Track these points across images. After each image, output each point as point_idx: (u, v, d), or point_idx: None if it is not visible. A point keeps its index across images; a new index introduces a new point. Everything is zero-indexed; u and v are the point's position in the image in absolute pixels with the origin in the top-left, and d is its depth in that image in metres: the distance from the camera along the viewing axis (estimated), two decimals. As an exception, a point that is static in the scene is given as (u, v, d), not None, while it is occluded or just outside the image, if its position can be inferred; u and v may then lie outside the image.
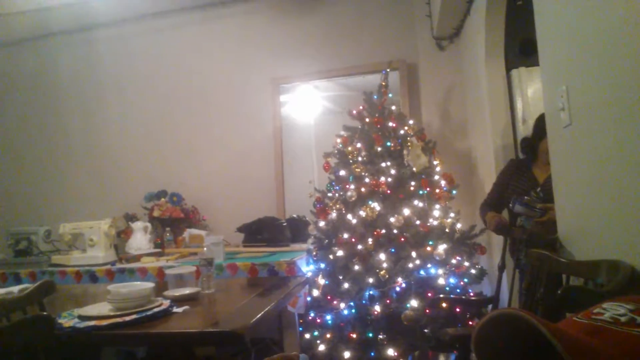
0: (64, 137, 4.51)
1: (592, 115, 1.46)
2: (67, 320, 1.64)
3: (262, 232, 3.34)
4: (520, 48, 3.12)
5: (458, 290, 2.63)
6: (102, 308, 1.73)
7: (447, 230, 2.72)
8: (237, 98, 4.14)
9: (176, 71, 4.28)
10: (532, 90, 3.01)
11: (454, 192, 2.94)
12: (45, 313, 1.59)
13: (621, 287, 1.16)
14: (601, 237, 1.47)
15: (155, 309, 1.71)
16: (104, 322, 1.60)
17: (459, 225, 2.83)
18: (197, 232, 3.58)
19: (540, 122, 2.28)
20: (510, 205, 2.20)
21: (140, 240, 3.45)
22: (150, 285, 1.80)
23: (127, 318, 1.63)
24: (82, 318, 1.65)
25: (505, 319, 0.47)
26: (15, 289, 2.30)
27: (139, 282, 1.90)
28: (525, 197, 2.15)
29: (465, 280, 2.67)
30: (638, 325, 0.45)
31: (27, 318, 1.52)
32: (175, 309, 1.77)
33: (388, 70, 3.19)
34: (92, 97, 4.46)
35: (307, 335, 2.76)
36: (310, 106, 4.07)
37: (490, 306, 2.17)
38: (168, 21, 4.27)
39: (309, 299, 2.78)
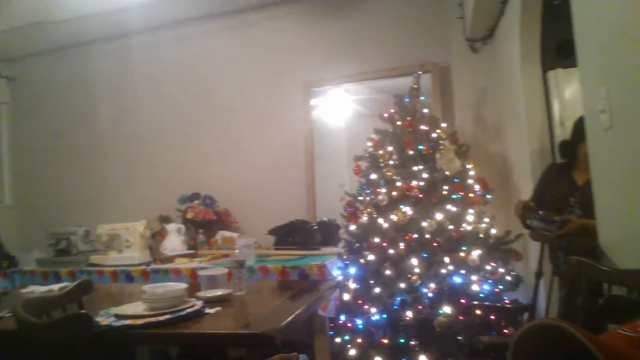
0: (101, 142, 4.66)
1: (635, 118, 1.41)
2: (103, 319, 1.68)
3: (293, 235, 3.36)
4: (558, 49, 3.03)
5: (492, 298, 2.57)
6: (137, 307, 1.77)
7: (481, 235, 2.66)
8: (268, 102, 4.17)
9: (208, 75, 4.35)
10: (570, 92, 2.92)
11: (489, 196, 2.88)
12: (83, 311, 1.64)
13: (668, 297, 1.11)
14: (645, 245, 1.41)
15: (188, 310, 1.73)
16: (139, 322, 1.63)
17: (493, 231, 2.76)
18: (229, 234, 3.62)
19: (580, 124, 2.20)
20: (529, 221, 2.16)
21: (174, 241, 3.52)
22: (183, 286, 1.83)
23: (161, 318, 1.66)
24: (118, 317, 1.69)
25: (546, 329, 0.46)
26: (55, 287, 2.40)
27: (172, 283, 1.94)
28: (541, 212, 2.10)
29: (500, 287, 2.61)
30: (690, 339, 0.42)
31: (67, 316, 1.57)
32: (207, 310, 1.79)
33: (420, 72, 3.15)
34: (127, 102, 4.59)
35: (338, 340, 2.75)
36: (341, 109, 4.06)
37: (526, 314, 2.11)
38: (200, 28, 4.35)
39: (339, 302, 2.77)
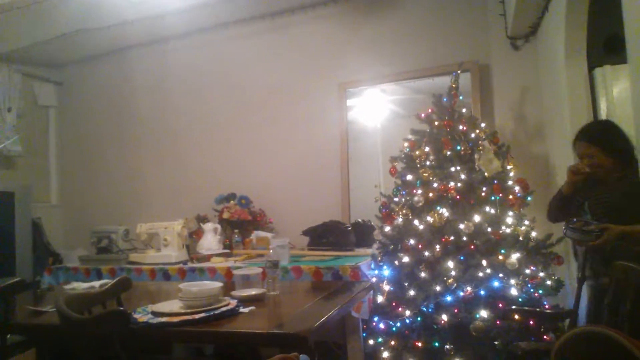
0: (142, 144, 4.79)
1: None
2: (141, 316, 1.72)
3: (327, 235, 3.35)
4: (605, 45, 2.90)
5: (532, 302, 2.48)
6: (173, 305, 1.80)
7: (520, 238, 2.58)
8: (304, 103, 4.18)
9: (244, 78, 4.40)
10: (618, 90, 2.79)
11: (529, 198, 2.79)
12: (122, 308, 1.68)
13: None
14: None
15: (223, 308, 1.75)
16: (175, 319, 1.66)
17: (534, 234, 2.67)
18: (264, 234, 3.65)
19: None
20: (563, 230, 2.09)
21: (210, 241, 3.58)
22: (218, 284, 1.85)
23: (197, 316, 1.68)
24: (155, 314, 1.72)
25: (591, 336, 0.43)
26: (96, 284, 2.47)
27: (208, 282, 1.96)
28: (575, 220, 2.03)
29: (540, 291, 2.52)
30: None
31: (106, 312, 1.61)
32: (241, 309, 1.81)
33: (459, 71, 3.09)
34: (166, 104, 4.70)
35: (371, 342, 2.72)
36: (377, 110, 4.03)
37: (567, 320, 2.03)
38: (235, 31, 4.40)
39: (373, 304, 2.74)
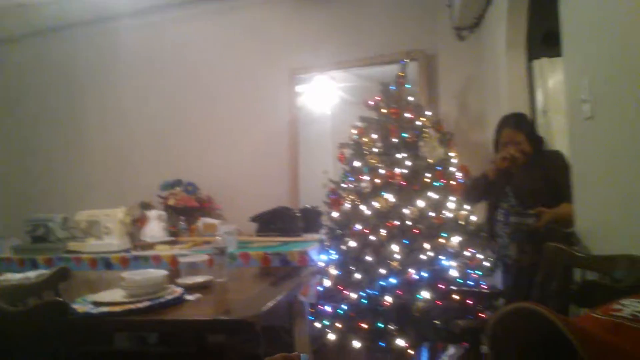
0: (82, 126, 4.57)
1: (615, 109, 1.42)
2: (81, 306, 1.66)
3: (276, 222, 3.35)
4: (543, 38, 3.04)
5: (470, 283, 2.60)
6: (116, 294, 1.75)
7: (461, 222, 2.69)
8: (253, 88, 4.13)
9: (192, 61, 4.29)
10: (554, 82, 2.95)
11: (468, 185, 2.91)
12: (59, 299, 1.61)
13: (639, 282, 1.14)
14: (619, 232, 1.44)
15: (168, 297, 1.72)
16: (118, 309, 1.62)
17: (473, 218, 2.79)
18: (211, 221, 3.60)
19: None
20: (502, 218, 2.24)
21: (155, 228, 3.49)
22: (163, 273, 1.82)
23: (141, 305, 1.64)
24: (96, 304, 1.67)
25: (523, 313, 0.46)
26: (32, 274, 2.35)
27: (152, 270, 1.92)
28: (504, 204, 2.20)
29: (478, 272, 2.64)
30: (658, 322, 0.43)
31: (42, 303, 1.54)
32: (187, 297, 1.78)
33: (407, 60, 3.15)
34: (110, 87, 4.50)
35: (318, 325, 2.77)
36: (327, 97, 4.04)
37: (502, 299, 2.15)
38: (185, 12, 4.27)
39: (320, 288, 2.78)
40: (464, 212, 2.73)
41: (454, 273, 2.55)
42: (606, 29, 1.44)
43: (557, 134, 2.79)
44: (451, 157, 2.95)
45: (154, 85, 4.38)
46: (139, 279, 1.75)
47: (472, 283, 2.60)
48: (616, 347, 0.40)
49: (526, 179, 2.29)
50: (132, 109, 4.43)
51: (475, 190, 2.56)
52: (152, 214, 3.55)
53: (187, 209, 3.78)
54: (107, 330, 1.79)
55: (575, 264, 1.52)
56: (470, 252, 2.64)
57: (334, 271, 2.79)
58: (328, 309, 2.77)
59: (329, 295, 2.77)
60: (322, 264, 2.83)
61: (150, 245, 3.24)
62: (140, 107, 4.41)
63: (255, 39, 4.15)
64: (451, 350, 1.90)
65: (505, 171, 2.38)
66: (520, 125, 2.38)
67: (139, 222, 3.68)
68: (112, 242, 3.18)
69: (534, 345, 0.48)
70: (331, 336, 2.69)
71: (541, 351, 0.48)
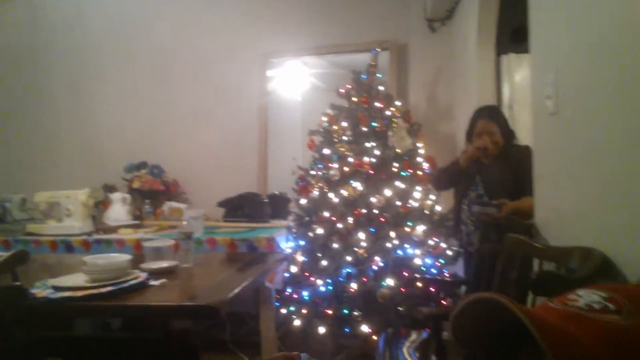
0: (44, 104, 4.39)
1: (577, 105, 1.47)
2: (40, 291, 1.61)
3: (243, 207, 3.33)
4: (512, 34, 3.11)
5: (433, 271, 2.67)
6: (77, 279, 1.71)
7: (426, 211, 2.75)
8: (223, 71, 4.06)
9: (162, 43, 4.17)
10: (520, 77, 3.02)
11: (433, 176, 2.96)
12: (17, 283, 1.56)
13: (592, 273, 1.19)
14: (575, 225, 1.50)
15: (132, 282, 1.69)
16: (79, 293, 1.58)
17: (438, 208, 2.86)
18: (177, 205, 3.55)
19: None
20: (466, 207, 2.31)
21: (118, 211, 3.40)
22: (127, 257, 1.78)
23: (103, 290, 1.61)
24: (57, 288, 1.62)
25: (484, 302, 0.47)
26: (-13, 256, 2.26)
27: (116, 254, 1.88)
28: (472, 193, 2.28)
29: (441, 261, 2.71)
30: (611, 312, 0.46)
31: (-1, 286, 1.49)
32: (152, 282, 1.76)
33: (379, 50, 3.16)
34: (73, 59, 4.32)
35: (284, 311, 2.79)
36: (298, 82, 4.02)
37: (463, 287, 2.22)
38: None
39: (286, 275, 2.79)
40: (429, 202, 2.79)
41: (418, 261, 2.61)
42: (573, 27, 1.48)
43: (522, 129, 2.86)
44: (419, 148, 3.00)
45: (120, 65, 4.24)
46: (102, 263, 1.71)
47: (435, 271, 2.67)
48: (571, 336, 0.42)
49: (496, 171, 2.35)
50: (98, 87, 4.28)
51: (446, 176, 2.61)
52: (116, 196, 3.46)
53: (153, 193, 3.71)
54: (68, 315, 1.75)
55: (533, 254, 1.58)
56: (434, 241, 2.70)
57: (300, 258, 2.81)
58: (294, 295, 2.79)
59: (296, 282, 2.80)
60: (289, 251, 2.84)
61: (114, 229, 3.17)
62: (106, 86, 4.27)
63: (226, 20, 4.06)
64: (414, 336, 1.94)
65: (477, 161, 2.44)
66: (495, 116, 2.44)
67: (102, 205, 3.59)
68: (74, 224, 3.09)
69: (495, 334, 0.50)
70: (297, 322, 2.72)
71: (502, 339, 0.50)
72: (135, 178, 3.71)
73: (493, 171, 2.37)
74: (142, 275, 1.77)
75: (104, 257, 1.79)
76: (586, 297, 0.49)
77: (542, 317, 0.43)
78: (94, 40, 4.28)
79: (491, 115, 2.44)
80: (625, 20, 1.17)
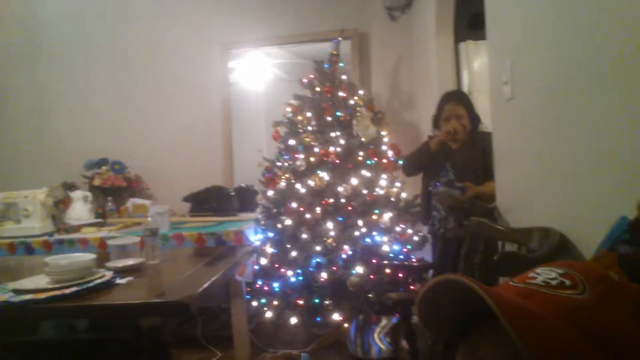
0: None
1: (532, 90, 1.52)
2: (0, 295, 1.55)
3: (210, 201, 3.29)
4: (469, 21, 3.17)
5: (401, 257, 2.72)
6: (39, 281, 1.66)
7: (392, 199, 2.79)
8: (183, 63, 3.98)
9: (119, 32, 4.04)
10: (479, 64, 3.08)
11: (400, 162, 3.01)
12: (-25, 287, 1.50)
13: (551, 252, 1.24)
14: (534, 206, 1.56)
15: (97, 281, 1.65)
16: (42, 295, 1.53)
17: (403, 195, 2.90)
18: (141, 201, 3.47)
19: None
20: (431, 188, 2.37)
21: (80, 210, 3.31)
22: (91, 256, 1.74)
23: (67, 291, 1.56)
24: (17, 292, 1.57)
25: (449, 284, 0.49)
26: (-59, 262, 2.16)
27: (79, 254, 1.83)
28: (442, 178, 2.33)
29: (408, 247, 2.77)
30: (566, 287, 0.48)
31: (-45, 292, 1.43)
32: (118, 280, 1.72)
33: (340, 39, 3.16)
34: (29, 53, 4.14)
35: (255, 303, 2.79)
36: (261, 73, 3.99)
37: (431, 271, 2.27)
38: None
39: (256, 267, 2.79)
40: (395, 189, 2.84)
41: (386, 248, 2.66)
42: (528, 13, 1.53)
43: (481, 115, 2.93)
44: (383, 136, 3.03)
45: (78, 58, 4.09)
46: (65, 263, 1.66)
47: (403, 257, 2.73)
48: (529, 310, 0.45)
49: (465, 156, 2.39)
50: (54, 81, 4.12)
51: (416, 161, 2.63)
52: (77, 194, 3.36)
53: (115, 189, 3.62)
54: (32, 319, 1.70)
55: (495, 236, 1.63)
56: (401, 227, 2.75)
57: (270, 249, 2.81)
58: (265, 287, 2.79)
59: (266, 274, 2.80)
60: (258, 243, 2.83)
61: (76, 228, 3.07)
62: (62, 80, 4.11)
63: (185, 10, 3.98)
64: (384, 321, 1.98)
65: (446, 147, 2.48)
66: (462, 100, 2.48)
67: (62, 204, 3.47)
68: (33, 225, 2.98)
69: (460, 314, 0.52)
70: (268, 314, 2.72)
71: (467, 319, 0.52)
72: (96, 175, 3.61)
73: (462, 157, 2.41)
74: (108, 274, 1.73)
75: (67, 257, 1.74)
76: (544, 274, 0.51)
77: (502, 295, 0.45)
78: (50, 36, 4.11)
79: (459, 99, 2.49)
80: (575, 6, 1.21)
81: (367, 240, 2.68)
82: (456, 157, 2.43)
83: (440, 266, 2.10)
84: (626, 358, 0.43)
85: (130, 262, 1.94)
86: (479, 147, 2.35)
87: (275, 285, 2.75)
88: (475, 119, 2.46)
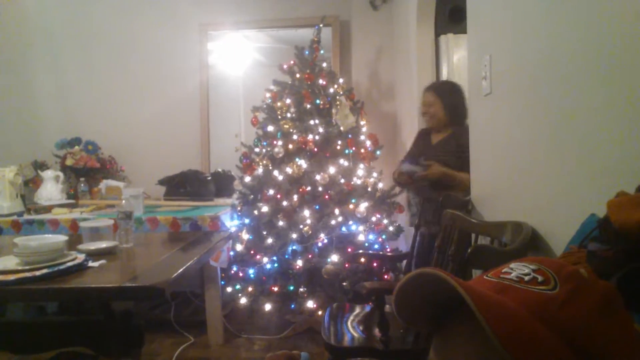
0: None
1: (510, 86, 1.55)
2: (-34, 275, 1.51)
3: (185, 185, 3.26)
4: (450, 14, 3.18)
5: (376, 246, 2.75)
6: (8, 262, 1.62)
7: (369, 189, 2.81)
8: (161, 43, 3.89)
9: (95, 14, 3.92)
10: (458, 57, 3.11)
11: (378, 152, 3.03)
12: (-60, 267, 1.46)
13: (523, 245, 1.28)
14: (508, 201, 1.59)
15: (69, 263, 1.62)
16: (11, 277, 1.50)
17: (380, 185, 2.93)
18: (115, 183, 3.41)
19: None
20: (402, 164, 2.43)
21: (51, 190, 3.23)
22: (63, 238, 1.71)
23: (37, 273, 1.53)
24: (-16, 273, 1.53)
25: (424, 277, 0.50)
26: None
27: (50, 235, 1.79)
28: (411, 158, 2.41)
29: (384, 236, 2.80)
30: (539, 283, 0.49)
31: None
32: (90, 263, 1.70)
33: (321, 25, 3.14)
34: (6, 36, 3.97)
35: (229, 289, 2.78)
36: (240, 57, 3.93)
37: (404, 261, 2.31)
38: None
39: (232, 253, 2.78)
40: (372, 180, 2.86)
41: (361, 237, 2.68)
42: (507, 9, 1.55)
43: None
44: (362, 126, 3.04)
45: (53, 38, 3.95)
46: (35, 244, 1.63)
47: (378, 246, 2.76)
48: (504, 305, 0.46)
49: (440, 149, 2.43)
50: (25, 56, 3.97)
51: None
52: (48, 174, 3.28)
53: (88, 170, 3.54)
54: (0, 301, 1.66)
55: (469, 229, 1.67)
56: (376, 217, 2.78)
57: (246, 236, 2.80)
58: (240, 273, 2.79)
59: (241, 260, 2.79)
60: (234, 229, 2.82)
61: (47, 209, 3.00)
62: (34, 53, 3.96)
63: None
64: (357, 309, 2.01)
65: (425, 141, 2.54)
66: (437, 89, 2.52)
67: (32, 183, 3.39)
68: (1, 204, 2.90)
69: (436, 308, 0.54)
70: (243, 300, 2.73)
71: (442, 312, 0.53)
72: (68, 155, 3.52)
73: (436, 150, 2.45)
74: (80, 257, 1.70)
75: (37, 238, 1.71)
76: (517, 269, 0.53)
77: (477, 289, 0.46)
78: (24, 17, 3.95)
79: (435, 88, 2.52)
80: (554, 3, 1.23)
81: (343, 229, 2.69)
82: (430, 152, 2.47)
83: (415, 257, 2.14)
84: (590, 354, 0.45)
85: (103, 245, 1.91)
86: (455, 141, 2.39)
87: (251, 271, 2.75)
88: (453, 112, 2.48)
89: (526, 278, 0.51)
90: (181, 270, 1.62)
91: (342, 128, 2.88)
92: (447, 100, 2.47)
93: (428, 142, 2.55)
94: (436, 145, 2.49)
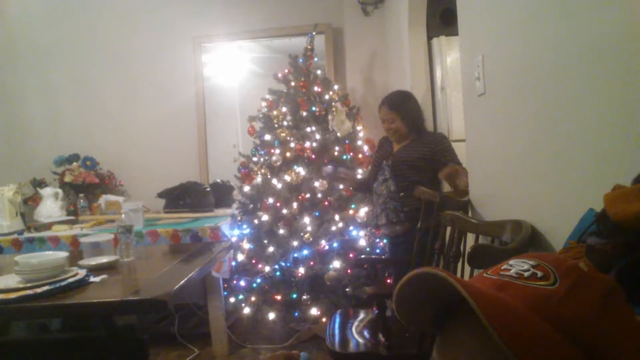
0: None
1: (503, 85, 1.55)
2: (-32, 295, 1.51)
3: (185, 197, 3.26)
4: (441, 17, 3.20)
5: (378, 251, 2.75)
6: (9, 280, 1.62)
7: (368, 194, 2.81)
8: (156, 57, 3.90)
9: (89, 28, 3.94)
10: (451, 59, 3.12)
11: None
12: (-58, 288, 1.46)
13: (523, 244, 1.28)
14: (506, 200, 1.59)
15: (70, 279, 1.62)
16: (12, 295, 1.50)
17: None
18: (114, 198, 3.41)
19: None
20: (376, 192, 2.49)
21: (50, 207, 3.23)
22: (63, 254, 1.70)
23: (39, 290, 1.53)
24: (-14, 292, 1.53)
25: (424, 277, 0.50)
26: None
27: (51, 252, 1.79)
28: (380, 177, 2.50)
29: (385, 240, 2.80)
30: (538, 279, 0.50)
31: None
32: (92, 279, 1.69)
33: (314, 33, 3.16)
34: (2, 51, 4.00)
35: (232, 299, 2.78)
36: (235, 68, 3.94)
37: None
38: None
39: (233, 263, 2.78)
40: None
41: (362, 242, 2.68)
42: (498, 8, 1.56)
43: (454, 110, 2.98)
44: (358, 131, 3.05)
45: (50, 53, 3.96)
46: (35, 262, 1.63)
47: (379, 251, 2.76)
48: (503, 302, 0.46)
49: (404, 154, 2.46)
50: (24, 76, 3.99)
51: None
52: (47, 191, 3.28)
53: (87, 186, 3.54)
54: (2, 319, 1.66)
55: (469, 229, 1.67)
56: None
57: (247, 245, 2.80)
58: (242, 283, 2.78)
59: (243, 270, 2.79)
60: (235, 239, 2.82)
61: (47, 226, 3.00)
62: (32, 74, 3.98)
63: (157, 3, 3.90)
64: (362, 315, 2.00)
65: (388, 146, 2.58)
66: (393, 104, 2.52)
67: (31, 201, 3.39)
68: (1, 223, 2.90)
69: (436, 306, 0.54)
70: (246, 310, 2.72)
71: (444, 312, 0.53)
72: (67, 171, 3.52)
73: (400, 155, 2.48)
74: (81, 272, 1.70)
75: (38, 255, 1.70)
76: (517, 266, 0.53)
77: (477, 287, 0.46)
78: (17, 33, 3.97)
79: (390, 104, 2.53)
80: (546, 2, 1.24)
81: (345, 234, 2.69)
82: (393, 157, 2.49)
83: (425, 259, 2.13)
84: (592, 349, 0.45)
85: (104, 259, 1.91)
86: (420, 147, 2.42)
87: (254, 281, 2.74)
88: (411, 120, 2.49)
89: (526, 274, 0.51)
90: (183, 281, 1.62)
91: (339, 134, 2.89)
92: (404, 113, 2.49)
93: (389, 148, 2.58)
94: (396, 153, 2.52)
